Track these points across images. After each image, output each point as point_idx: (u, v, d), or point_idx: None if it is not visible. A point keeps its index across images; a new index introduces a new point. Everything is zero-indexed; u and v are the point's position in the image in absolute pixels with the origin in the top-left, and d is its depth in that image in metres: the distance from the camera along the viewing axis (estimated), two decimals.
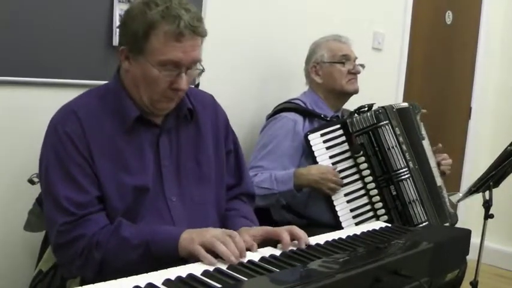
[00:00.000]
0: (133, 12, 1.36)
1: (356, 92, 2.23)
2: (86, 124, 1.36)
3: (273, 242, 1.34)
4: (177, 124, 1.49)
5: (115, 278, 1.05)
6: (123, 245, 1.28)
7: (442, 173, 2.23)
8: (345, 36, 2.28)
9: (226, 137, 1.61)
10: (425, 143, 2.17)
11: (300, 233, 1.33)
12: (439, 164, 2.22)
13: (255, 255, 1.21)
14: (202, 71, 1.42)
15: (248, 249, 1.24)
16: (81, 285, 1.01)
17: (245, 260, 1.18)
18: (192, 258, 1.22)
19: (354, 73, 2.21)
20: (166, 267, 1.15)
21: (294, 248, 1.28)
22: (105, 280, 1.04)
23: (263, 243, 1.33)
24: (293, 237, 1.32)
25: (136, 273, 1.07)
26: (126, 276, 1.05)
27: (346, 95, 2.24)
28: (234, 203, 1.61)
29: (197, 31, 1.34)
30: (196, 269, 1.10)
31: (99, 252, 1.28)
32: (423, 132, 2.19)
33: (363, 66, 2.26)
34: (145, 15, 1.32)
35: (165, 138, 1.46)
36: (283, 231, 1.32)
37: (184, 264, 1.18)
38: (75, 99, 1.44)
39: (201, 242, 1.21)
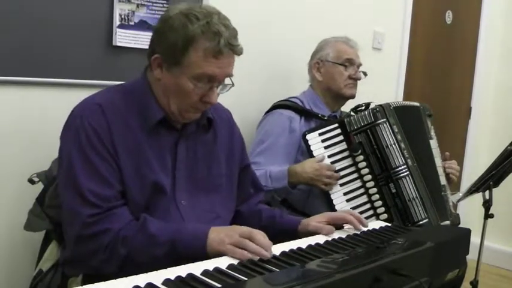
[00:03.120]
0: (173, 22, 1.36)
1: (352, 97, 2.24)
2: (110, 118, 1.37)
3: (336, 226, 1.49)
4: (196, 131, 1.51)
5: (137, 273, 1.06)
6: (150, 242, 1.29)
7: (450, 180, 2.24)
8: (354, 41, 2.28)
9: (242, 153, 1.64)
10: (433, 143, 2.18)
11: (359, 216, 1.52)
12: (445, 170, 2.23)
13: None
14: (232, 85, 1.45)
15: (326, 234, 1.43)
16: (82, 285, 1.01)
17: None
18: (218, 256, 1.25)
19: (354, 79, 2.22)
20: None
21: (294, 248, 1.28)
22: (126, 274, 1.05)
23: None
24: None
25: (159, 269, 1.09)
26: (148, 271, 1.07)
27: (342, 98, 2.25)
28: (260, 205, 1.67)
29: (235, 50, 1.38)
30: (196, 268, 1.10)
31: (125, 247, 1.29)
32: (432, 133, 2.20)
33: (365, 74, 2.26)
34: (186, 28, 1.33)
35: (183, 144, 1.47)
36: (348, 215, 1.51)
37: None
38: (98, 94, 1.45)
39: (231, 242, 1.24)
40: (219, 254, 1.24)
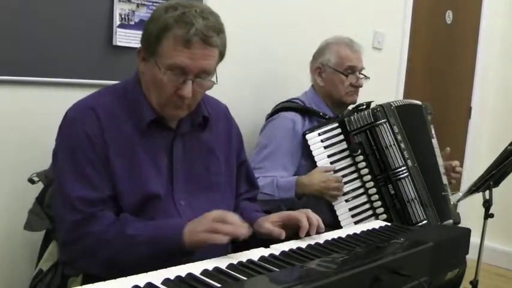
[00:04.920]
0: (154, 14, 1.37)
1: (353, 103, 2.22)
2: (104, 123, 1.36)
3: (291, 226, 1.40)
4: (191, 130, 1.49)
5: (125, 272, 1.06)
6: (129, 243, 1.29)
7: (449, 182, 2.24)
8: (358, 43, 2.22)
9: (239, 149, 1.63)
10: (434, 142, 2.18)
11: (313, 219, 1.39)
12: (447, 170, 2.23)
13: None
14: (214, 83, 1.41)
15: (277, 237, 1.34)
16: (82, 285, 1.01)
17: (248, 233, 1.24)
18: (200, 248, 1.25)
19: (355, 86, 2.19)
20: (176, 259, 1.18)
21: (294, 248, 1.28)
22: (113, 274, 1.06)
23: (283, 228, 1.40)
24: (308, 222, 1.38)
25: (147, 267, 1.09)
26: (136, 270, 1.07)
27: (343, 104, 2.23)
28: (243, 202, 1.64)
29: (208, 41, 1.32)
30: (196, 268, 1.10)
31: (105, 250, 1.29)
32: (433, 132, 2.20)
33: (367, 78, 2.24)
34: (160, 18, 1.33)
35: (179, 143, 1.46)
36: (302, 216, 1.39)
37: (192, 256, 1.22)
38: (92, 96, 1.44)
39: (205, 229, 1.24)
40: (198, 245, 1.25)
